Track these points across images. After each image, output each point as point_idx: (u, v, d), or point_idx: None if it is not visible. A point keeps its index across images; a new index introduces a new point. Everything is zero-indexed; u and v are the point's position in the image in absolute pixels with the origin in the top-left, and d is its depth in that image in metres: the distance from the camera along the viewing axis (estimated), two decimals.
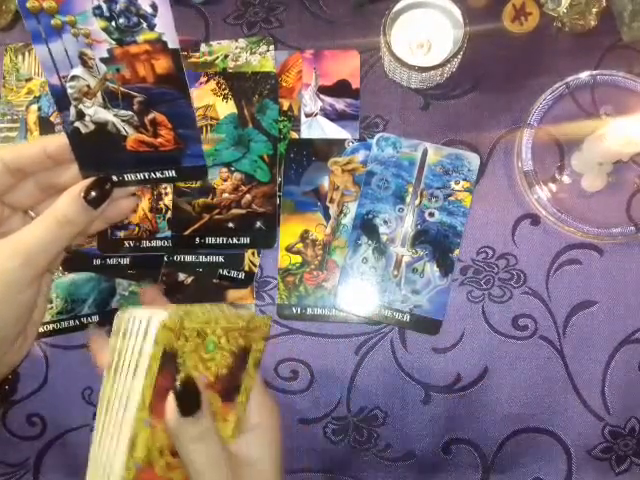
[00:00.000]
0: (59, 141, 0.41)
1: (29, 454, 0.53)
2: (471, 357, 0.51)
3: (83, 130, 0.42)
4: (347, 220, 0.52)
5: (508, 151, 0.53)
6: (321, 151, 0.53)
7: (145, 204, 0.53)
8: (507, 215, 0.53)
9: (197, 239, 0.52)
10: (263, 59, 0.55)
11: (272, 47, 0.55)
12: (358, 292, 0.51)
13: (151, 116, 0.42)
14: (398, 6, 0.51)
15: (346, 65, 0.55)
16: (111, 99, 0.42)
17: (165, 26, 0.40)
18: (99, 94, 0.41)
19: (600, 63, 0.54)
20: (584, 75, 0.53)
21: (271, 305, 0.53)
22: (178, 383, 0.34)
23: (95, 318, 0.53)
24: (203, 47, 0.55)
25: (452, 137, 0.54)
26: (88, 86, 0.41)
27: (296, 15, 0.56)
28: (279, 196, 0.53)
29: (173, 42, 0.40)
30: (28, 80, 0.55)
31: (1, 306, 0.37)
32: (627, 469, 0.51)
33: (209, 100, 0.54)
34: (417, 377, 0.52)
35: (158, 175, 0.44)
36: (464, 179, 0.52)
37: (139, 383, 0.33)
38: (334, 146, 0.53)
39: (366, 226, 0.52)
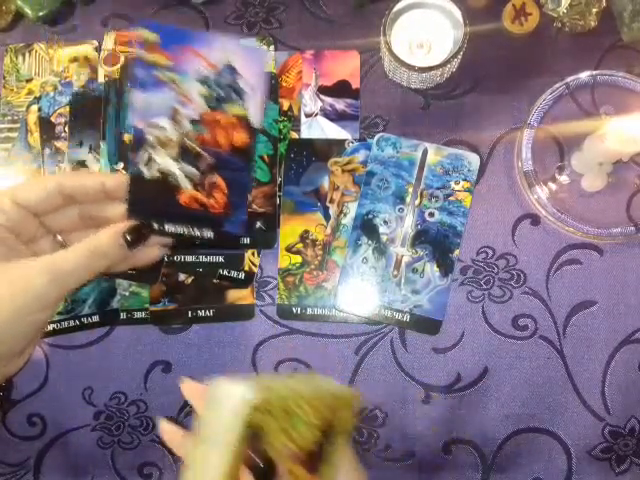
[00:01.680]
0: (119, 180, 0.42)
1: (29, 454, 0.53)
2: (471, 357, 0.51)
3: (146, 175, 0.43)
4: (347, 220, 0.52)
5: (508, 151, 0.53)
6: (321, 151, 0.53)
7: None
8: (507, 215, 0.53)
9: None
10: None
11: (272, 47, 0.55)
12: (358, 292, 0.51)
13: (213, 179, 0.44)
14: (398, 6, 0.51)
15: (346, 65, 0.55)
16: (183, 153, 0.44)
17: (254, 107, 0.43)
18: (176, 148, 0.43)
19: (600, 63, 0.54)
20: (584, 75, 0.53)
21: (271, 305, 0.53)
22: (260, 463, 0.34)
23: (95, 318, 0.53)
24: None
25: (452, 137, 0.54)
26: (168, 138, 0.43)
27: (296, 15, 0.56)
28: (279, 196, 0.53)
29: (257, 123, 0.44)
30: (28, 80, 0.55)
31: (16, 322, 0.37)
32: (627, 469, 0.51)
33: None
34: (417, 377, 0.52)
35: (196, 233, 0.45)
36: (464, 179, 0.52)
37: (221, 457, 0.33)
38: (334, 146, 0.53)
39: (366, 226, 0.52)
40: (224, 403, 0.34)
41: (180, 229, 0.45)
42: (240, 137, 0.44)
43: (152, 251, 0.45)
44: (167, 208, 0.44)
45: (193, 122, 0.43)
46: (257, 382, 0.35)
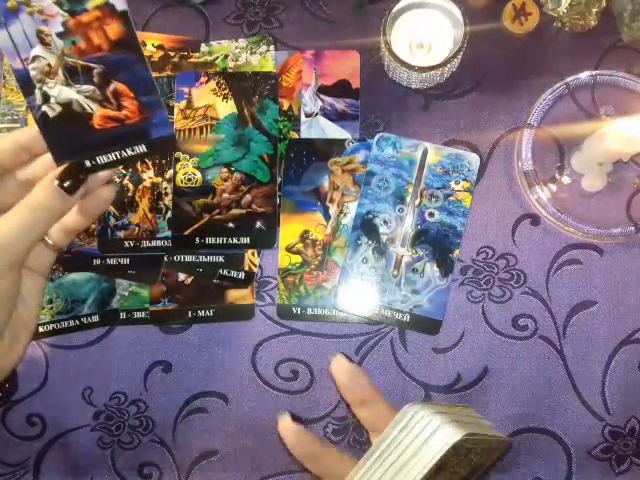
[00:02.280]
0: (30, 131, 0.40)
1: (29, 454, 0.53)
2: (471, 357, 0.51)
3: (51, 114, 0.41)
4: (347, 220, 0.52)
5: (508, 151, 0.53)
6: (321, 151, 0.53)
7: (145, 204, 0.53)
8: (507, 215, 0.53)
9: (197, 239, 0.52)
10: (263, 59, 0.55)
11: (272, 47, 0.55)
12: (358, 292, 0.51)
13: (112, 87, 0.41)
14: (398, 6, 0.51)
15: (346, 65, 0.55)
16: (72, 75, 0.40)
17: None
18: (60, 71, 0.40)
19: (600, 63, 0.54)
20: (584, 75, 0.53)
21: (271, 305, 0.53)
22: None
23: (95, 318, 0.53)
24: (203, 47, 0.55)
25: (452, 137, 0.54)
26: (49, 65, 0.40)
27: (296, 15, 0.56)
28: (279, 196, 0.53)
29: (121, 4, 0.39)
30: None
31: None
32: (627, 469, 0.51)
33: (209, 100, 0.54)
34: (417, 377, 0.52)
35: (129, 153, 0.42)
36: (464, 179, 0.52)
37: None
38: (334, 146, 0.53)
39: (366, 226, 0.52)
40: (421, 431, 0.34)
41: (112, 155, 0.41)
42: (113, 29, 0.40)
43: (103, 192, 0.42)
44: (87, 139, 0.41)
45: (61, 36, 0.40)
46: (452, 414, 0.35)
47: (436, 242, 0.51)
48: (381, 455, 0.36)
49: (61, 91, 0.40)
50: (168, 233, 0.52)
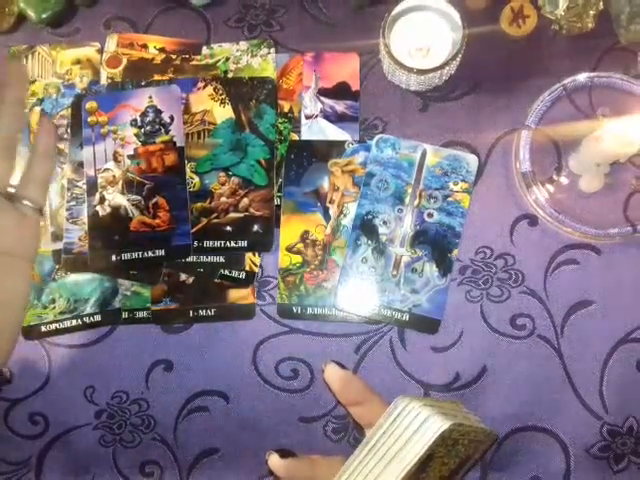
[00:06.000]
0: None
1: (31, 452, 0.53)
2: (470, 356, 0.52)
3: (101, 213, 0.51)
4: (347, 220, 0.53)
5: (506, 152, 0.54)
6: (321, 152, 0.54)
7: None
8: (505, 216, 0.53)
9: (195, 242, 0.52)
10: (264, 62, 0.55)
11: (273, 50, 0.56)
12: (358, 292, 0.51)
13: (155, 200, 0.51)
14: (397, 9, 0.51)
15: (346, 67, 0.55)
16: (128, 186, 0.52)
17: (177, 130, 0.53)
18: (120, 182, 0.51)
19: (597, 65, 0.54)
20: (582, 77, 0.53)
21: (271, 304, 0.53)
22: None
23: (97, 318, 0.53)
24: (204, 50, 0.56)
25: (451, 138, 0.54)
26: (114, 176, 0.52)
27: (296, 18, 0.57)
28: (279, 197, 0.53)
29: (181, 142, 0.53)
30: (31, 82, 0.56)
31: None
32: (625, 468, 0.51)
33: (207, 105, 0.54)
34: (416, 376, 0.52)
35: (149, 254, 0.51)
36: (462, 180, 0.52)
37: (393, 472, 0.35)
38: (334, 147, 0.54)
39: (366, 226, 0.52)
40: (411, 422, 0.36)
41: (135, 255, 0.51)
42: (170, 158, 0.52)
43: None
44: (121, 238, 0.51)
45: (130, 157, 0.52)
46: (440, 407, 0.37)
47: (435, 242, 0.51)
48: (374, 445, 0.37)
49: (115, 197, 0.51)
50: None
